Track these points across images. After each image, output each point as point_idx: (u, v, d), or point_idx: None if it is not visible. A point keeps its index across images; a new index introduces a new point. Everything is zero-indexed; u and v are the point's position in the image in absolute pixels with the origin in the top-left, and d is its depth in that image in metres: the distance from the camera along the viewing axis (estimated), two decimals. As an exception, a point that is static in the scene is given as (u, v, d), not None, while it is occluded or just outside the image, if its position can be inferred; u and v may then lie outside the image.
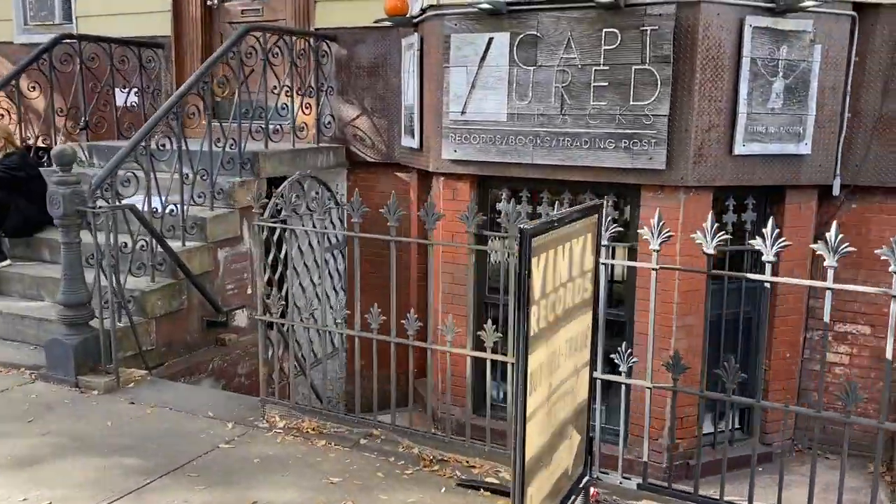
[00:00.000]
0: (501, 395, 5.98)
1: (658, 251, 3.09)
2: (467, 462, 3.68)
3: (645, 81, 4.66)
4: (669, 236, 3.09)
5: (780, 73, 4.75)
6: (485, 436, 3.79)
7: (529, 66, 4.99)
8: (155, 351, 5.24)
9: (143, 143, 5.08)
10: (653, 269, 3.13)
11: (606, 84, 4.77)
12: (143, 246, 5.12)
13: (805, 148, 4.92)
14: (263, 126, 6.18)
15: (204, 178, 5.63)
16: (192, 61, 7.71)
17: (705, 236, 2.97)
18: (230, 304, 5.89)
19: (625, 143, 4.77)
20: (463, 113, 5.26)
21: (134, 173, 5.01)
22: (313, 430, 3.99)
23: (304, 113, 6.76)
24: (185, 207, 5.46)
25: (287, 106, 6.45)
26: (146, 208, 5.15)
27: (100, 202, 4.69)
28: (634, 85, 4.69)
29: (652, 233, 3.05)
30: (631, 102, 4.72)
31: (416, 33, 5.76)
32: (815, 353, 5.60)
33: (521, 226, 2.34)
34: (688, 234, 4.83)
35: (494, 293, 5.68)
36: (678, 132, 4.68)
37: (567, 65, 4.88)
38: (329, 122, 6.96)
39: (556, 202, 5.31)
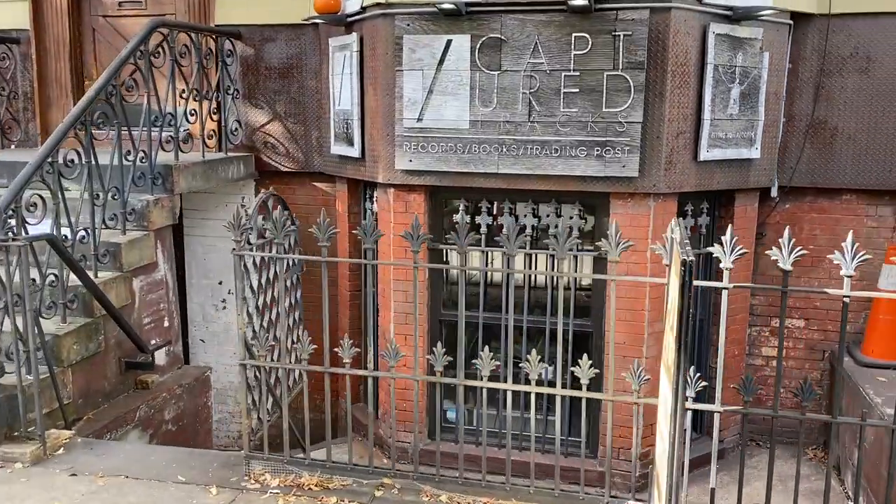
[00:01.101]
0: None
1: (730, 269, 2.94)
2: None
3: (618, 88, 4.57)
4: (743, 253, 2.95)
5: (737, 80, 4.85)
6: (454, 464, 3.53)
7: (493, 70, 4.74)
8: (71, 404, 4.43)
9: (49, 159, 4.24)
10: (724, 289, 2.98)
11: (577, 90, 4.62)
12: (52, 282, 4.30)
13: (756, 152, 5.07)
14: (173, 135, 5.43)
15: (115, 196, 4.84)
16: (59, 59, 6.71)
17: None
18: (149, 341, 5.12)
19: (597, 150, 4.65)
20: (419, 120, 4.90)
21: (40, 195, 4.17)
22: (316, 485, 3.50)
23: (211, 119, 6.05)
24: (98, 232, 4.66)
25: (196, 112, 5.73)
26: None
27: None
28: (607, 91, 4.58)
29: (724, 251, 2.91)
30: (604, 109, 4.60)
31: (353, 33, 5.30)
32: (754, 349, 5.83)
33: (685, 257, 2.09)
34: (657, 241, 4.82)
35: (452, 309, 5.38)
36: (650, 139, 4.64)
37: (535, 70, 4.67)
38: (236, 129, 6.29)
39: (517, 213, 5.10)
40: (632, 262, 4.76)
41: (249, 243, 3.55)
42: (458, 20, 4.72)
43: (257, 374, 4.58)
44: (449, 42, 4.76)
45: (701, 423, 5.70)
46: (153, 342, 5.17)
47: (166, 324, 5.39)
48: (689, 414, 3.26)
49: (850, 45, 5.22)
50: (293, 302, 5.28)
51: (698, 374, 3.09)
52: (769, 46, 4.99)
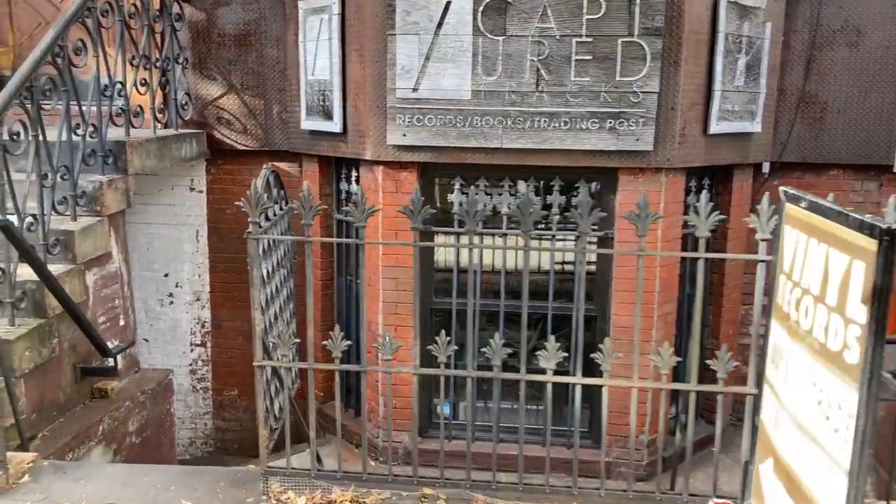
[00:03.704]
0: (452, 412, 5.32)
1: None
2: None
3: (633, 55, 4.29)
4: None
5: (743, 50, 4.67)
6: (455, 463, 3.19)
7: (498, 35, 4.36)
8: (25, 419, 3.76)
9: (-8, 132, 3.55)
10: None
11: (589, 58, 4.31)
12: (-2, 277, 3.62)
13: (757, 126, 4.93)
14: (124, 108, 4.76)
15: (65, 177, 4.16)
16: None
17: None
18: (106, 342, 4.46)
19: (610, 122, 4.36)
20: (415, 90, 4.46)
21: (-18, 174, 3.48)
22: (351, 501, 3.04)
23: (161, 91, 5.37)
24: (48, 218, 3.98)
25: (147, 82, 5.05)
26: (-3, 223, 3.63)
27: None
28: (621, 59, 4.29)
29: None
30: (617, 78, 4.32)
31: (332, -6, 4.78)
32: (742, 329, 5.74)
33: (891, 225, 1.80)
34: (669, 218, 4.61)
35: (443, 296, 4.98)
36: (665, 110, 4.39)
37: (543, 35, 4.32)
38: (186, 103, 5.63)
39: (516, 192, 4.76)
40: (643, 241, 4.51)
41: (259, 226, 3.03)
42: (459, -20, 4.32)
43: (268, 376, 4.05)
44: (448, 3, 4.34)
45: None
46: (112, 344, 4.52)
47: (122, 322, 4.73)
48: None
49: (841, 17, 5.15)
50: (289, 293, 4.74)
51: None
52: (769, 17, 4.85)
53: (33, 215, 3.89)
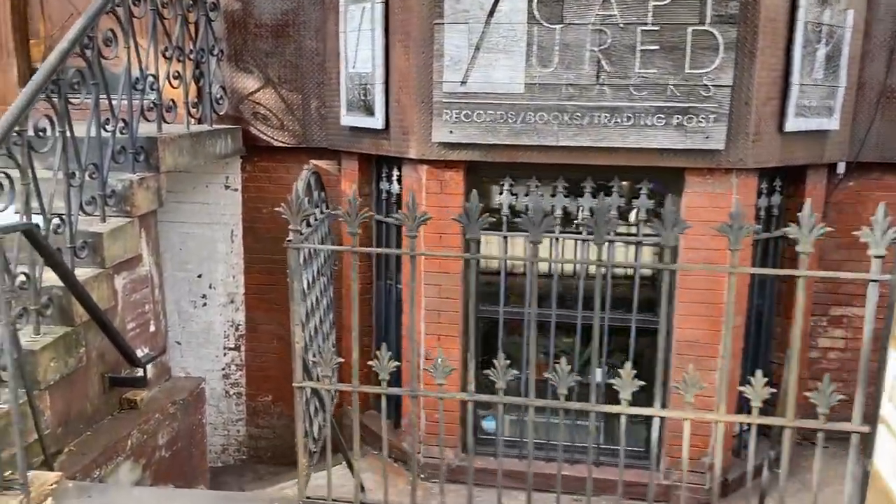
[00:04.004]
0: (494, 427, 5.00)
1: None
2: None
3: (704, 45, 3.92)
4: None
5: (823, 40, 4.27)
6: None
7: (554, 23, 4.02)
8: (50, 433, 3.53)
9: (16, 128, 3.31)
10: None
11: (656, 48, 3.95)
12: (23, 282, 3.38)
13: (835, 123, 4.53)
14: (156, 102, 4.51)
15: (93, 175, 3.92)
16: (-2, 13, 5.63)
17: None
18: (134, 350, 4.23)
19: (677, 118, 4.00)
20: (463, 83, 4.14)
21: (6, 173, 3.24)
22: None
23: (195, 85, 5.13)
24: (75, 219, 3.75)
25: (180, 75, 4.81)
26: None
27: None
28: (692, 49, 3.92)
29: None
30: (686, 70, 3.95)
31: (376, -19, 4.48)
32: (812, 341, 5.34)
33: None
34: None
35: (489, 303, 4.67)
36: (739, 106, 4.02)
37: (605, 23, 3.98)
38: (221, 97, 5.38)
39: (571, 192, 4.42)
40: (711, 249, 4.15)
41: (300, 233, 2.74)
42: (513, -36, 3.98)
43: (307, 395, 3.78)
44: (501, -10, 4.02)
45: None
46: (142, 352, 4.29)
47: (152, 328, 4.50)
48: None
49: (928, 4, 4.72)
50: (328, 303, 4.47)
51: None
52: (851, 4, 4.43)
53: (60, 216, 3.65)
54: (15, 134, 3.31)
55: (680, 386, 2.56)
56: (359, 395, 5.31)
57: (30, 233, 3.08)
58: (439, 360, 2.69)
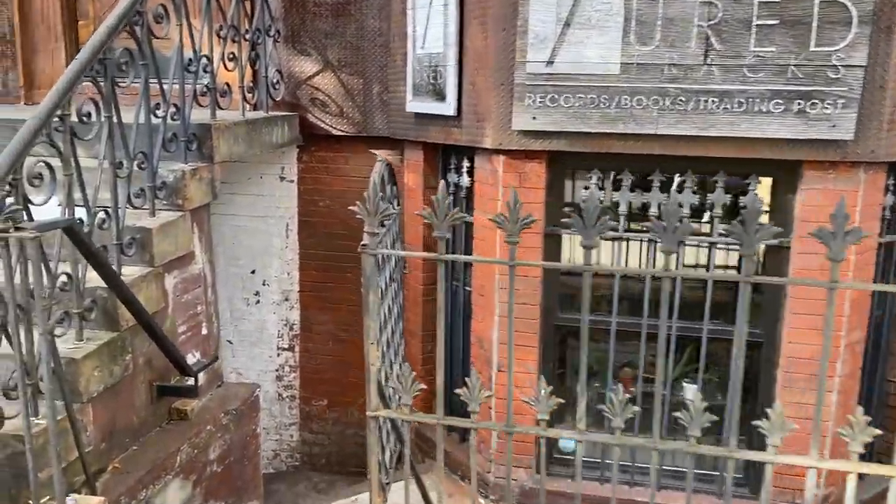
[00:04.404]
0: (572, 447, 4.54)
1: None
2: None
3: (834, 19, 3.39)
4: None
5: (969, 13, 3.68)
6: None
7: (656, -5, 3.53)
8: (93, 450, 3.20)
9: (58, 113, 2.96)
10: None
11: (776, 22, 3.43)
12: (64, 283, 3.05)
13: (975, 110, 3.92)
14: (210, 85, 4.15)
15: (143, 165, 3.57)
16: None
17: None
18: (185, 354, 3.89)
19: (798, 104, 3.48)
20: (549, 63, 3.68)
21: (46, 163, 2.89)
22: None
23: (251, 68, 4.76)
24: (122, 214, 3.40)
25: (236, 56, 4.44)
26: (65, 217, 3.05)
27: None
28: (818, 23, 3.39)
29: None
30: (811, 48, 3.42)
31: (450, -50, 4.04)
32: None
33: None
34: (865, 224, 3.70)
35: (570, 310, 4.21)
36: (872, 90, 3.48)
37: (715, -6, 3.47)
38: (277, 81, 5.01)
39: (667, 186, 3.93)
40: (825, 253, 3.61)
41: (376, 235, 2.32)
42: (610, -73, 3.50)
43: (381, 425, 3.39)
44: (596, -43, 3.54)
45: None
46: (193, 356, 3.95)
47: (205, 331, 4.16)
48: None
49: None
50: (399, 312, 4.07)
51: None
52: None
53: (105, 209, 3.31)
54: (57, 119, 2.97)
55: (846, 432, 2.07)
56: (420, 406, 4.91)
57: (71, 230, 2.74)
58: (542, 391, 2.25)
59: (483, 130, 4.00)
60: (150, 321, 3.32)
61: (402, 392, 2.32)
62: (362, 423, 5.61)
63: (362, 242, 2.32)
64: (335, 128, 5.14)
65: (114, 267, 3.34)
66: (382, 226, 3.20)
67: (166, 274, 3.75)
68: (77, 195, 3.11)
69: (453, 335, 4.75)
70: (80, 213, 3.14)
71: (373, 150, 5.12)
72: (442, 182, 1.89)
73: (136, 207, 3.55)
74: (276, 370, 5.73)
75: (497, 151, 3.98)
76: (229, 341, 5.69)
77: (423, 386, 2.32)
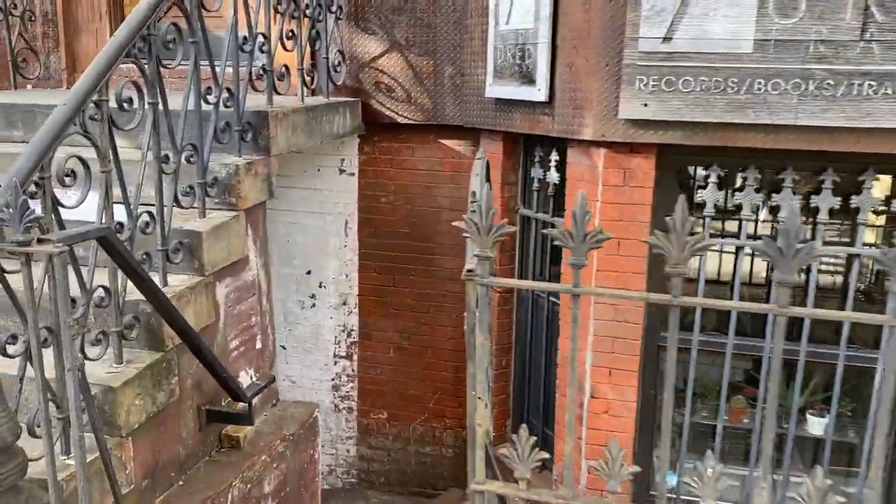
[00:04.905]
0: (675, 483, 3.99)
1: None
2: None
3: None
4: None
5: None
6: None
7: (803, -44, 2.91)
8: (134, 488, 2.76)
9: (94, 98, 2.49)
10: None
11: (956, -12, 2.80)
12: (101, 299, 2.59)
13: None
14: (266, 68, 3.67)
15: (192, 159, 3.10)
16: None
17: None
18: (237, 373, 3.43)
19: (977, 88, 2.84)
20: (667, 40, 3.09)
21: (79, 158, 2.41)
22: None
23: (311, 48, 4.26)
24: (168, 214, 2.94)
25: (294, 35, 3.95)
26: (101, 221, 2.59)
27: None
28: None
29: None
30: None
31: None
32: None
33: None
34: None
35: (684, 331, 3.63)
36: None
37: (879, -46, 2.84)
38: (338, 63, 4.51)
39: (805, 186, 3.32)
40: None
41: (490, 258, 1.78)
42: None
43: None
44: (728, -89, 2.94)
45: None
46: (246, 373, 3.49)
47: (259, 345, 3.69)
48: None
49: None
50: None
51: None
52: None
53: (149, 210, 2.85)
54: (92, 106, 2.50)
55: None
56: (494, 426, 4.38)
57: (105, 239, 2.26)
58: (616, 451, 1.68)
59: (581, 119, 3.44)
60: (199, 344, 2.85)
61: (518, 462, 1.79)
62: (424, 440, 5.13)
63: (467, 267, 1.80)
64: (401, 115, 4.62)
65: (159, 276, 2.89)
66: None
67: (217, 283, 3.28)
68: (116, 191, 2.65)
69: (533, 353, 4.22)
70: (119, 212, 2.68)
71: (442, 140, 4.61)
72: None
73: (184, 207, 3.08)
74: (333, 379, 5.27)
75: (597, 144, 3.42)
76: (282, 346, 5.24)
77: (546, 455, 1.78)
